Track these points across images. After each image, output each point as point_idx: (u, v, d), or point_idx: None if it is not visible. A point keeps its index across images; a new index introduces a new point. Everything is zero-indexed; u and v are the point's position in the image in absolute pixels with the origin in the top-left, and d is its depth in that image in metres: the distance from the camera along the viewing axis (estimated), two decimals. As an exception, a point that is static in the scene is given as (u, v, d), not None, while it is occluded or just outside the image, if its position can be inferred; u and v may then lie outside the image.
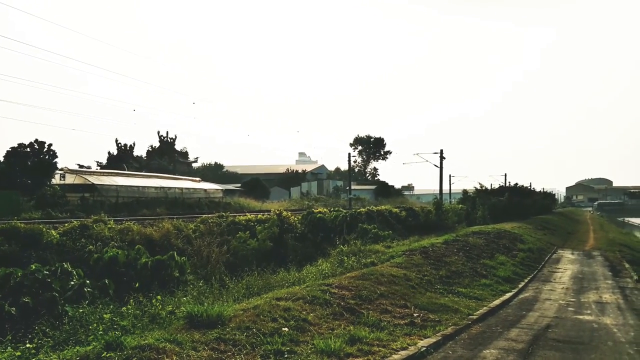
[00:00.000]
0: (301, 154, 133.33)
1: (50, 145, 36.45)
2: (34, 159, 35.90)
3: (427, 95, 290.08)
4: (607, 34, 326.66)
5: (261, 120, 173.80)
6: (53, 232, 13.56)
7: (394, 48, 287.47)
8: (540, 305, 12.47)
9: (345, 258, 14.94)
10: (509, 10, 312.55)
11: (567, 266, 20.51)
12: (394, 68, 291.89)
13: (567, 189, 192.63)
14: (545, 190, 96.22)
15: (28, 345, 6.61)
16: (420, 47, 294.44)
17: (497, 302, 12.29)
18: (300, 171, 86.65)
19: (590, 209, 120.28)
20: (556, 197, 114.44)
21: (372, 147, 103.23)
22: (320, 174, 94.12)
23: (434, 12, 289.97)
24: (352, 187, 64.54)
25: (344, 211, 26.20)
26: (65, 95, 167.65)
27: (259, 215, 22.02)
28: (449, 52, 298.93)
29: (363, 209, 27.11)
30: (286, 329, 7.84)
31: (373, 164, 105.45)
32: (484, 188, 51.42)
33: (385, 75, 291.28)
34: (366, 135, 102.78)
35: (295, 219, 22.14)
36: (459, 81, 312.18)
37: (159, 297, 9.08)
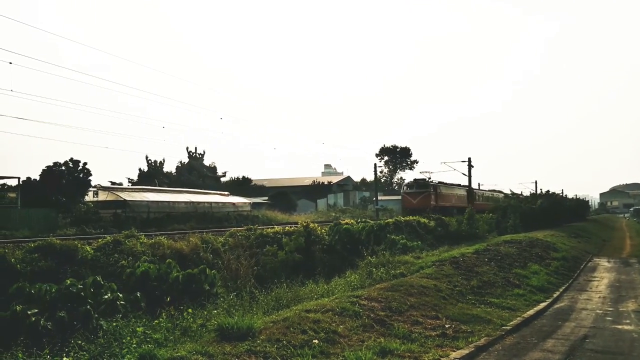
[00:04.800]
0: (327, 166, 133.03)
1: (85, 163, 37.46)
2: (69, 177, 36.93)
3: (445, 92, 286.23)
4: None
5: (286, 133, 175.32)
6: (87, 247, 13.88)
7: (405, 46, 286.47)
8: (577, 315, 12.14)
9: (374, 269, 14.83)
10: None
11: (603, 274, 19.91)
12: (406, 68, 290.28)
13: (601, 195, 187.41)
14: (578, 197, 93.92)
15: (65, 359, 6.77)
16: (437, 39, 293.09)
17: (531, 312, 12.03)
18: (326, 183, 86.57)
19: (625, 215, 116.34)
20: (590, 203, 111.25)
21: (398, 157, 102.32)
22: (346, 185, 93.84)
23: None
24: (379, 197, 64.16)
25: (371, 222, 26.07)
26: (97, 114, 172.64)
27: (287, 228, 22.09)
28: (469, 47, 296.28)
29: (390, 220, 26.89)
30: (316, 341, 7.83)
31: (400, 174, 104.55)
32: (514, 195, 50.54)
33: (399, 76, 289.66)
34: (392, 145, 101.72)
35: (323, 230, 22.13)
36: (480, 79, 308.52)
37: (190, 310, 9.19)
